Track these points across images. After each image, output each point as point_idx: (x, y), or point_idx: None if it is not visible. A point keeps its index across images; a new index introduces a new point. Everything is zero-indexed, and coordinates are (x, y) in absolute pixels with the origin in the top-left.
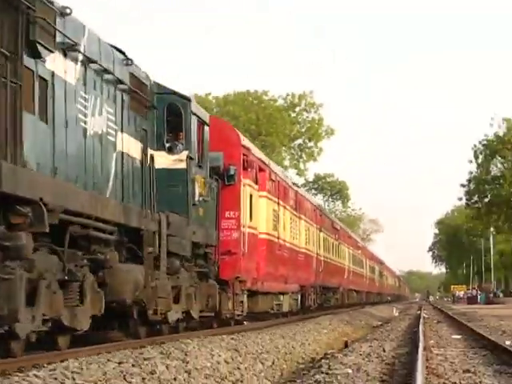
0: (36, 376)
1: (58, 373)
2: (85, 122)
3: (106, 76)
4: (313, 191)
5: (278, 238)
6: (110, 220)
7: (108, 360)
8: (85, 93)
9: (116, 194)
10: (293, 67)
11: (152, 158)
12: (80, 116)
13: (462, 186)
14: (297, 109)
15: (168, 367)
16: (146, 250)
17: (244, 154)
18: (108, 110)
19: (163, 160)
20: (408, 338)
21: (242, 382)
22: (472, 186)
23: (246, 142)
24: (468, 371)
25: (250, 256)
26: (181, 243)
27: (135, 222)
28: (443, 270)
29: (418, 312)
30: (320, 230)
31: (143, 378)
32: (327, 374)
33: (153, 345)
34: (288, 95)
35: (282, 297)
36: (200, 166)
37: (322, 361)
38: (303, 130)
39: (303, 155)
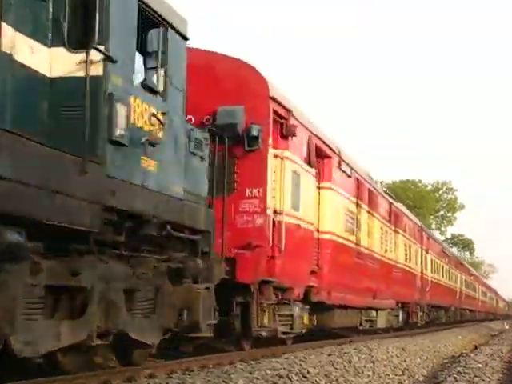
0: (277, 362)
1: (289, 360)
2: None
3: None
4: (450, 245)
5: (357, 244)
6: None
7: (321, 353)
8: None
9: None
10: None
11: None
12: None
13: None
14: (440, 191)
15: (359, 358)
16: None
17: (279, 115)
18: None
19: (61, 63)
20: None
21: (407, 369)
22: None
23: (282, 97)
24: None
25: (293, 255)
26: (53, 202)
27: None
28: None
29: None
30: (427, 252)
31: (344, 365)
32: (464, 367)
33: (350, 343)
34: (434, 182)
35: (374, 312)
36: (154, 92)
37: (460, 358)
38: (444, 205)
39: (444, 221)
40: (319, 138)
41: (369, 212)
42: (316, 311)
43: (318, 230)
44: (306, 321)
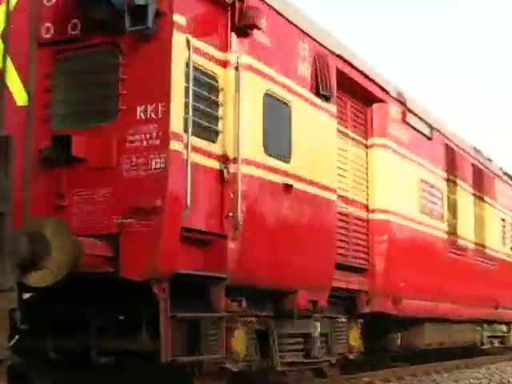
0: (478, 372)
1: (490, 371)
2: None
3: None
4: None
5: (452, 234)
6: None
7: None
8: None
9: None
10: None
11: None
12: None
13: None
14: None
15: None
16: None
17: None
18: None
19: None
20: None
21: None
22: None
23: None
24: None
25: (276, 236)
26: None
27: None
28: None
29: None
30: None
31: (489, 380)
32: None
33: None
34: None
35: (503, 326)
36: None
37: None
38: None
39: None
40: (349, 64)
41: (475, 195)
42: (399, 327)
43: (366, 208)
44: (353, 341)
